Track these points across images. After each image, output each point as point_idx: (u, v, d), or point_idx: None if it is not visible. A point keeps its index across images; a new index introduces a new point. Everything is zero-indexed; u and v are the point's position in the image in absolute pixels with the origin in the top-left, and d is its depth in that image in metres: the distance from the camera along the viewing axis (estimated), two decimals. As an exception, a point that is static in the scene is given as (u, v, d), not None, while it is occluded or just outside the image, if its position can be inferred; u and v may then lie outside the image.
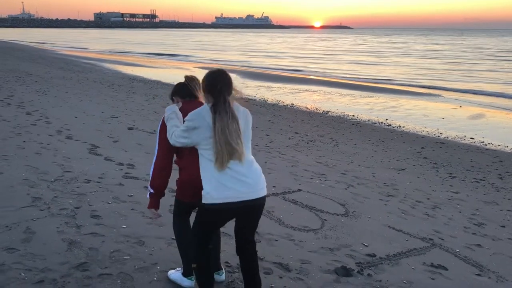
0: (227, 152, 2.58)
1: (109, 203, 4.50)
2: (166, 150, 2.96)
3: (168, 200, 4.72)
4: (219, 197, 2.61)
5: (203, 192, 2.67)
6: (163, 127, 2.96)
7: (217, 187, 2.61)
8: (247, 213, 2.79)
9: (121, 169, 5.75)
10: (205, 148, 2.66)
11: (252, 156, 2.80)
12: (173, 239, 3.82)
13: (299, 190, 5.70)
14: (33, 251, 3.35)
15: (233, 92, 2.74)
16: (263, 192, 2.77)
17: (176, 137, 2.76)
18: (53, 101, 10.74)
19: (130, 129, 8.45)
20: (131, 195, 4.80)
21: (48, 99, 10.95)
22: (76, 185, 4.92)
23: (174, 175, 3.09)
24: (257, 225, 2.98)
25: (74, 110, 9.80)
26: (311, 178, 6.37)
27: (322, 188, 5.91)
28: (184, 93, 3.04)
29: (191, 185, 2.88)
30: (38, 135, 7.07)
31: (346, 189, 6.01)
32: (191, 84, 3.02)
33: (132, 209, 4.40)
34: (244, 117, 2.82)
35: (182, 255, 3.15)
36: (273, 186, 5.70)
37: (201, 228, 2.85)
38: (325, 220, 4.70)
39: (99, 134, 7.69)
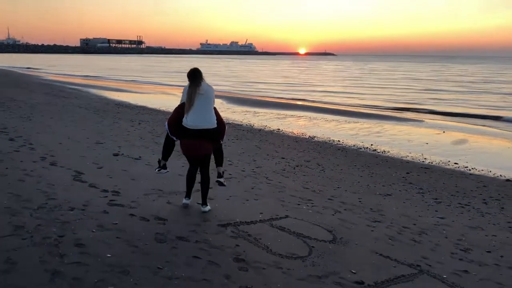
0: (188, 103, 5.01)
1: (93, 231, 4.42)
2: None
3: (154, 229, 4.67)
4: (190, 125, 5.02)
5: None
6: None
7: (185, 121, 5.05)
8: (198, 135, 5.07)
9: (106, 196, 5.68)
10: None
11: (208, 107, 5.07)
12: (159, 268, 3.77)
13: (287, 216, 5.68)
14: (14, 282, 3.26)
15: (203, 78, 5.14)
16: (206, 126, 5.04)
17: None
18: (38, 127, 10.63)
19: (115, 155, 8.38)
20: (116, 223, 4.73)
21: (32, 125, 10.85)
22: (60, 213, 4.83)
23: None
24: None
25: (59, 136, 9.71)
26: (298, 204, 6.35)
27: (309, 214, 5.90)
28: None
29: None
30: (22, 161, 6.97)
31: (333, 215, 6.01)
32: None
33: (117, 237, 4.33)
34: (206, 89, 5.10)
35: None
36: (260, 213, 5.67)
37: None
38: (312, 247, 4.67)
39: (83, 160, 7.61)
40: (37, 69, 56.71)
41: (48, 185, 5.83)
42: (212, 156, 5.46)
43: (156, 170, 5.52)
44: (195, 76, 5.05)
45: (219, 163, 5.47)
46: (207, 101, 5.02)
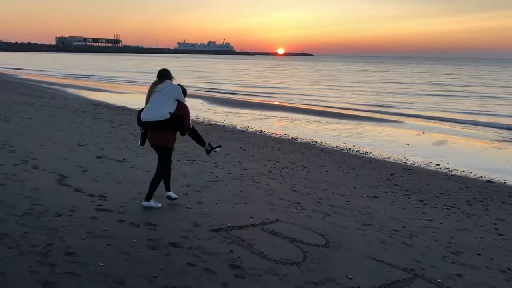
0: (146, 98, 5.53)
1: (83, 239, 4.29)
2: None
3: (145, 235, 4.56)
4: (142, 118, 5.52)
5: None
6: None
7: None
8: (150, 127, 5.53)
9: (93, 201, 5.53)
10: None
11: (160, 102, 5.40)
12: (154, 276, 3.67)
13: (277, 220, 5.63)
14: (5, 294, 3.12)
15: (171, 77, 5.62)
16: (153, 119, 5.40)
17: None
18: (16, 128, 10.34)
19: (98, 157, 8.20)
20: (106, 230, 4.60)
21: (11, 126, 10.54)
22: (46, 219, 4.67)
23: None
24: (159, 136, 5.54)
25: (39, 137, 9.45)
26: (288, 207, 6.32)
27: (300, 218, 5.87)
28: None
29: None
30: (2, 165, 6.75)
31: (323, 218, 5.99)
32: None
33: (108, 245, 4.20)
34: (164, 87, 5.47)
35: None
36: (251, 217, 5.61)
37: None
38: (306, 252, 4.64)
39: (66, 163, 7.41)
40: (9, 66, 55.39)
41: (32, 190, 5.64)
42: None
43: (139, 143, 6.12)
44: (158, 76, 5.62)
45: (201, 144, 6.03)
46: (161, 98, 5.43)
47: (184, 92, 5.67)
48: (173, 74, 5.68)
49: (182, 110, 5.51)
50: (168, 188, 5.90)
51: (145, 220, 5.06)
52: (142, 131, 5.81)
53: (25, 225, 4.45)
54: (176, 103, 5.47)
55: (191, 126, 5.72)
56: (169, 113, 5.39)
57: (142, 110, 5.61)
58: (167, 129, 5.51)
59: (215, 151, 6.11)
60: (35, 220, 4.62)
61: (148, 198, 5.59)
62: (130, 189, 6.30)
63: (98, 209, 5.25)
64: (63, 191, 5.81)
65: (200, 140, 5.97)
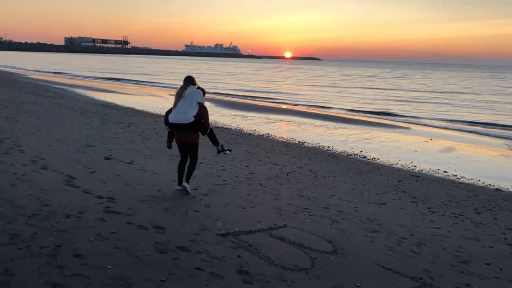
0: (175, 102, 6.25)
1: (91, 241, 4.30)
2: None
3: (154, 238, 4.57)
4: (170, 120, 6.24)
5: None
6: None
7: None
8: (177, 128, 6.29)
9: (101, 203, 5.54)
10: None
11: (186, 107, 6.17)
12: (162, 280, 3.67)
13: (285, 225, 5.61)
14: (14, 296, 3.13)
15: (195, 83, 6.38)
16: (180, 121, 6.15)
17: None
18: (25, 128, 10.40)
19: (107, 159, 8.22)
20: (114, 232, 4.61)
21: (20, 126, 10.60)
22: (55, 221, 4.69)
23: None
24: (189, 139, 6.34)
25: (48, 138, 9.50)
26: (295, 213, 6.30)
27: (307, 223, 5.85)
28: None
29: None
30: (12, 165, 6.78)
31: (331, 224, 5.97)
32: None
33: (117, 247, 4.21)
34: (189, 92, 6.23)
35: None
36: (259, 222, 5.60)
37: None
38: (314, 258, 4.62)
39: (75, 164, 7.44)
40: (20, 67, 55.80)
41: (41, 191, 5.66)
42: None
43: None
44: (185, 81, 6.38)
45: (215, 144, 6.62)
46: (186, 103, 6.20)
47: (204, 94, 6.45)
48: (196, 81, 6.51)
49: (202, 112, 6.25)
50: (187, 180, 6.53)
51: (153, 222, 5.07)
52: (169, 130, 6.53)
53: (34, 225, 4.47)
54: (198, 105, 6.24)
55: (210, 126, 6.43)
56: (193, 116, 6.15)
57: (169, 111, 6.36)
58: (191, 129, 6.27)
59: (224, 153, 6.71)
60: (44, 221, 4.64)
61: (187, 179, 6.52)
62: (138, 191, 6.31)
63: (106, 211, 5.26)
64: (71, 192, 5.83)
65: (214, 140, 6.56)
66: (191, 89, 6.29)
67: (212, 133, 6.49)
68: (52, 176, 6.48)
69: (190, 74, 6.51)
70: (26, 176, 6.25)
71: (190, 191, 6.52)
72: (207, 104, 6.49)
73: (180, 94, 6.25)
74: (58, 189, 5.86)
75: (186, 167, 6.54)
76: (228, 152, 6.76)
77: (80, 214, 5.01)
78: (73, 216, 4.90)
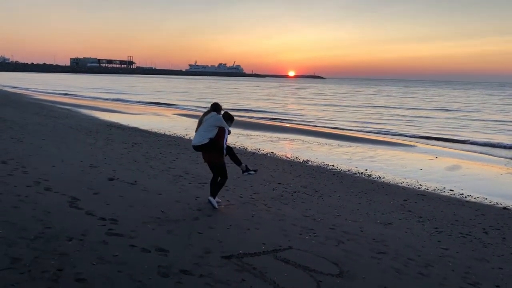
0: (196, 127, 7.00)
1: (93, 264, 4.24)
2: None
3: (156, 261, 4.50)
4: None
5: None
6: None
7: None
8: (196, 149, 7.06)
9: (104, 225, 5.50)
10: None
11: (203, 131, 6.85)
12: (165, 306, 3.60)
13: (290, 247, 5.54)
14: (14, 323, 3.07)
15: (219, 109, 7.02)
16: (196, 144, 6.91)
17: None
18: (29, 148, 10.42)
19: (110, 180, 8.20)
20: (116, 255, 4.56)
21: (24, 146, 10.63)
22: (57, 244, 4.65)
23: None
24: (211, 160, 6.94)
25: (52, 158, 9.50)
26: (300, 234, 6.22)
27: (312, 245, 5.77)
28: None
29: None
30: (15, 186, 6.77)
31: (337, 245, 5.88)
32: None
33: (119, 271, 4.16)
34: (208, 117, 6.87)
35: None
36: (263, 243, 5.53)
37: None
38: (320, 281, 4.54)
39: (78, 185, 7.42)
40: (26, 87, 56.28)
41: (44, 213, 5.63)
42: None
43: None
44: (210, 107, 7.07)
45: (237, 164, 7.23)
46: (204, 127, 6.86)
47: (230, 118, 7.11)
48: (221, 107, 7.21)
49: (219, 134, 6.86)
50: (212, 194, 7.13)
51: (156, 245, 5.01)
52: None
53: (37, 249, 4.43)
54: (217, 129, 6.85)
55: (226, 147, 6.96)
56: (209, 138, 6.80)
57: None
58: (209, 150, 6.92)
59: (248, 173, 7.33)
60: (46, 244, 4.59)
61: (213, 194, 7.13)
62: (141, 212, 6.26)
63: (109, 233, 5.21)
64: (74, 214, 5.79)
65: (236, 160, 7.18)
66: (211, 114, 6.92)
67: (231, 153, 7.10)
68: (56, 198, 6.45)
69: (216, 102, 7.23)
70: (30, 198, 6.23)
71: (215, 205, 7.06)
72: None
73: (200, 120, 6.97)
74: (61, 211, 5.83)
75: (215, 183, 7.13)
76: (252, 172, 7.31)
77: (82, 236, 4.97)
78: (76, 239, 4.86)
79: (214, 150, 6.88)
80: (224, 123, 6.90)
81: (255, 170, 7.39)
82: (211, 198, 7.13)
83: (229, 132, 7.09)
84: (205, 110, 7.20)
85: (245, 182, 9.59)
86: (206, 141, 6.79)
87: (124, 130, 17.71)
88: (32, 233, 4.84)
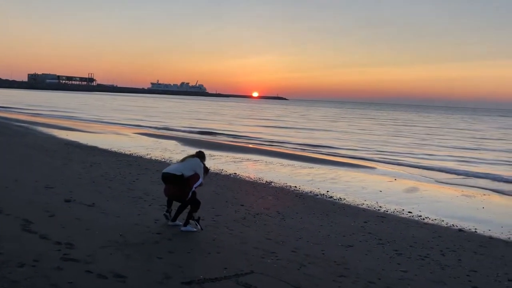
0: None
1: (46, 293, 4.04)
2: None
3: (114, 287, 4.33)
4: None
5: None
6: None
7: None
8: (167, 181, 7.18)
9: (59, 250, 5.28)
10: None
11: (182, 166, 7.21)
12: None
13: (252, 271, 5.47)
14: None
15: (204, 159, 7.61)
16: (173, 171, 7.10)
17: None
18: (-19, 168, 9.96)
19: (67, 201, 7.93)
20: (71, 282, 4.37)
21: (-25, 166, 10.16)
22: (8, 270, 4.42)
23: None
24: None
25: (5, 179, 9.11)
26: (262, 257, 6.17)
27: (274, 269, 5.72)
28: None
29: None
30: (-37, 208, 6.43)
31: (298, 269, 5.86)
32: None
33: (73, 300, 3.97)
34: (193, 160, 7.29)
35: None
36: (225, 268, 5.44)
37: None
38: (282, 306, 4.49)
39: (33, 207, 7.13)
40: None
41: (-6, 237, 5.35)
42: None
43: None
44: (195, 154, 7.62)
45: (189, 214, 7.15)
46: (183, 164, 7.27)
47: (206, 170, 7.49)
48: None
49: (193, 177, 7.09)
50: (174, 218, 7.28)
51: (114, 271, 4.84)
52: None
53: (-16, 277, 4.18)
54: (194, 173, 7.11)
55: (192, 194, 7.07)
56: (183, 174, 7.01)
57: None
58: (177, 184, 7.05)
59: (191, 227, 7.11)
60: (-5, 271, 4.35)
61: (185, 224, 7.09)
62: (98, 236, 6.06)
63: (64, 258, 5.00)
64: (27, 238, 5.54)
65: (192, 211, 7.08)
66: (194, 159, 7.34)
67: (194, 202, 7.09)
68: (7, 221, 6.17)
69: (202, 150, 7.79)
70: (-21, 221, 5.92)
71: (193, 229, 7.12)
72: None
73: (183, 159, 7.42)
74: (13, 235, 5.57)
75: (182, 209, 7.27)
76: (195, 230, 7.09)
77: (35, 262, 4.74)
78: (28, 265, 4.63)
79: (182, 186, 7.01)
80: (201, 173, 7.20)
81: (198, 229, 7.15)
82: (184, 228, 7.07)
83: (201, 184, 7.26)
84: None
85: (206, 204, 9.47)
86: (180, 173, 6.99)
87: (83, 149, 17.26)
88: (-20, 259, 4.58)
